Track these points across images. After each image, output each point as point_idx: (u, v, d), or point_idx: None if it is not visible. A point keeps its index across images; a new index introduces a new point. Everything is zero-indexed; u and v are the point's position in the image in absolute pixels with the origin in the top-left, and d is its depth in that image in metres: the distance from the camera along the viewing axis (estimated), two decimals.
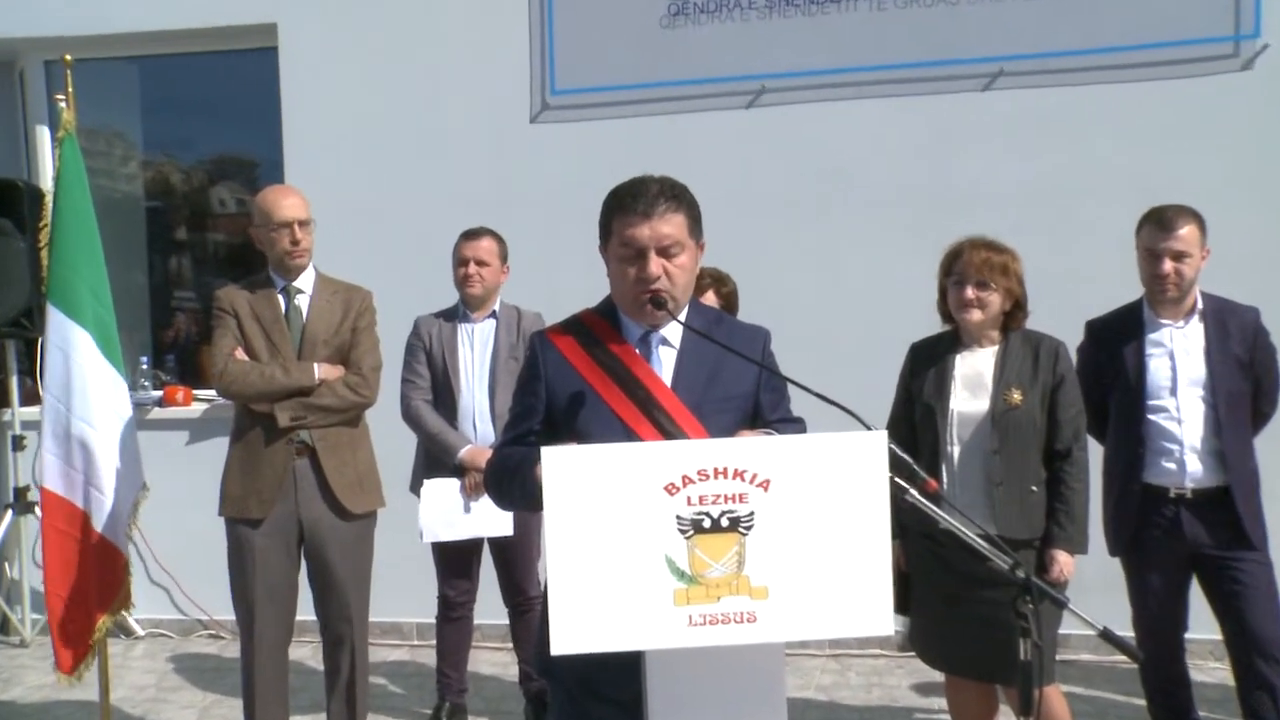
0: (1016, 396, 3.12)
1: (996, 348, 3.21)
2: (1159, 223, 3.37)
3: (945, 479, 3.16)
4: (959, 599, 3.13)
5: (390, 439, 4.02)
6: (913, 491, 1.92)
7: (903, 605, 3.27)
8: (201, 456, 5.27)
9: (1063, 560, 3.12)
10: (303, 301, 3.67)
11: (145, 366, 5.95)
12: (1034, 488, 3.12)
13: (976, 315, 3.17)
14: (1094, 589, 3.37)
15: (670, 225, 2.12)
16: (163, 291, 6.33)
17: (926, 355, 3.31)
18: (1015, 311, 3.22)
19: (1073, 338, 3.49)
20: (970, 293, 3.16)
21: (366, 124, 5.38)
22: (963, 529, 1.98)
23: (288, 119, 5.48)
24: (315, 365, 3.60)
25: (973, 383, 3.20)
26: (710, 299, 3.69)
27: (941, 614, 3.19)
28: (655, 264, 2.12)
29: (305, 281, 3.69)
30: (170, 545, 5.52)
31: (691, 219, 2.17)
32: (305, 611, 3.74)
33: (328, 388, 3.59)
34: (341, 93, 5.40)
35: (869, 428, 1.89)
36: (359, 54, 5.39)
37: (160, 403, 5.77)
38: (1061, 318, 3.44)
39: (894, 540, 3.26)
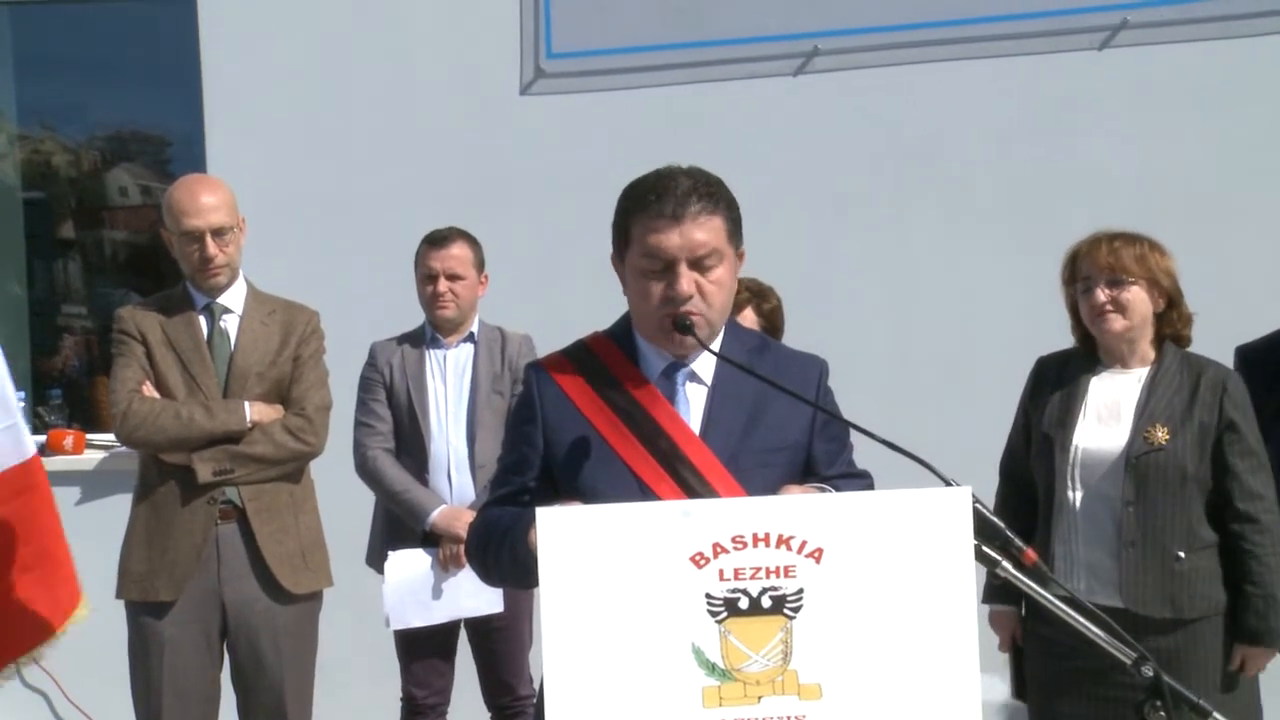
0: (1162, 434, 3.13)
1: (1146, 370, 3.24)
2: None
3: (1063, 533, 3.20)
4: (1087, 682, 3.12)
5: (339, 498, 4.08)
6: (1005, 564, 1.97)
7: (1020, 689, 3.31)
8: (97, 520, 5.27)
9: (1255, 661, 3.16)
10: (230, 324, 3.73)
11: (23, 404, 6.01)
12: (1181, 554, 3.13)
13: (1117, 322, 3.18)
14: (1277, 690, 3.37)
15: (705, 230, 2.19)
16: (46, 307, 6.36)
17: (1054, 373, 3.34)
18: (1170, 313, 3.23)
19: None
20: (1102, 295, 3.17)
21: (311, 92, 5.44)
22: (1071, 611, 2.01)
23: (209, 83, 5.52)
24: (246, 404, 3.65)
25: (1107, 412, 3.23)
26: (749, 318, 3.74)
27: (1064, 702, 3.21)
28: (687, 279, 2.18)
29: (234, 298, 3.75)
30: None
31: (731, 222, 2.25)
32: None
33: (262, 433, 3.64)
34: (279, 51, 5.44)
35: (949, 482, 1.95)
36: (302, 1, 5.45)
37: (43, 450, 5.82)
38: (1201, 340, 3.46)
39: (1008, 607, 3.34)
